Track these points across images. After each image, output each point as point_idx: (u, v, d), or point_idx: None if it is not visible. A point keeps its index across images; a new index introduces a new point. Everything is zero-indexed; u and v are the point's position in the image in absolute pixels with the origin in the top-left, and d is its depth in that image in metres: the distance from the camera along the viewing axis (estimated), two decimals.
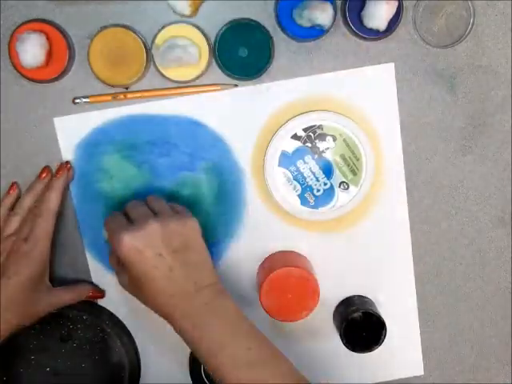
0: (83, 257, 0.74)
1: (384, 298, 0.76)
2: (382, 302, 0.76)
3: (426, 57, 0.71)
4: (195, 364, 0.76)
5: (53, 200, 0.68)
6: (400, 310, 0.77)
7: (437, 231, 0.75)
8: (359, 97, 0.72)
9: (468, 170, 0.74)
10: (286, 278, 0.69)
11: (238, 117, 0.72)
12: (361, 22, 0.68)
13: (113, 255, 0.65)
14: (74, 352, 0.74)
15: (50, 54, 0.66)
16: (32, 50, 0.64)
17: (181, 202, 0.71)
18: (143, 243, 0.59)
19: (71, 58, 0.69)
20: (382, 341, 0.72)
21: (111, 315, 0.75)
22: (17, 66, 0.67)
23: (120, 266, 0.64)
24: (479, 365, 0.79)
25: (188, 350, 0.75)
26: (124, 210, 0.65)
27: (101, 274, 0.75)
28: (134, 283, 0.62)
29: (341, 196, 0.73)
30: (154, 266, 0.60)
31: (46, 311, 0.68)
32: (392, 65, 0.71)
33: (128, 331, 0.76)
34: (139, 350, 0.77)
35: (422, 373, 0.79)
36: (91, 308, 0.74)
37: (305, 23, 0.67)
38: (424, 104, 0.72)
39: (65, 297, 0.70)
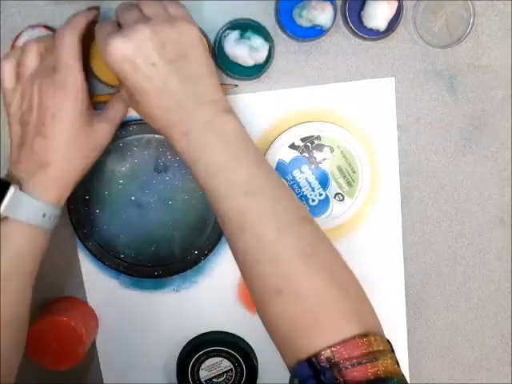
0: (75, 257, 0.74)
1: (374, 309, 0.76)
2: None
3: (426, 57, 0.71)
4: (183, 374, 0.76)
5: (73, 23, 0.59)
6: (388, 322, 0.77)
7: (437, 231, 0.75)
8: (358, 110, 0.72)
9: (468, 170, 0.74)
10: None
11: None
12: (361, 22, 0.68)
13: None
14: (164, 186, 0.71)
15: None
16: None
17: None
18: (133, 51, 0.53)
19: None
20: None
21: None
22: None
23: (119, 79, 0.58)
24: (479, 365, 0.79)
25: (175, 358, 0.76)
26: (116, 14, 0.59)
27: (93, 274, 0.74)
28: (130, 98, 0.58)
29: (335, 207, 0.73)
30: (148, 78, 0.54)
31: (106, 138, 0.63)
32: (392, 79, 0.71)
33: None
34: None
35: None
36: None
37: (305, 23, 0.67)
38: (424, 104, 0.72)
39: (119, 109, 0.64)
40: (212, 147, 0.54)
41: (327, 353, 0.49)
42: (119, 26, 0.57)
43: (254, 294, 0.55)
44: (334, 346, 0.49)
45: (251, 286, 0.55)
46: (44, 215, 0.58)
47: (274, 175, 0.57)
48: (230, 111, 0.57)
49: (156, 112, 0.56)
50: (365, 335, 0.50)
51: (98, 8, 0.64)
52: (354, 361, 0.49)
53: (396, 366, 0.51)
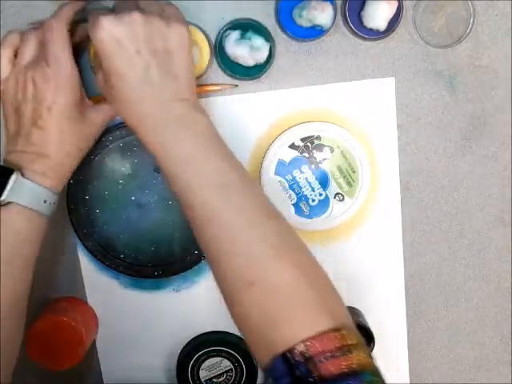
0: (75, 257, 0.74)
1: (374, 309, 0.76)
2: (372, 313, 0.76)
3: (426, 57, 0.71)
4: (183, 374, 0.76)
5: (60, 14, 0.60)
6: (389, 322, 0.77)
7: (437, 231, 0.75)
8: (358, 110, 0.72)
9: (468, 170, 0.74)
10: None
11: (237, 124, 0.72)
12: (361, 22, 0.68)
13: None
14: (164, 186, 0.71)
15: None
16: None
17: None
18: (122, 32, 0.54)
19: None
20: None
21: None
22: None
23: (98, 60, 0.58)
24: (479, 365, 0.79)
25: (175, 358, 0.76)
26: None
27: (93, 274, 0.74)
28: (106, 81, 0.57)
29: (335, 207, 0.73)
30: (130, 62, 0.55)
31: (99, 128, 0.65)
32: (392, 79, 0.71)
33: None
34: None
35: (408, 382, 0.79)
36: None
37: (305, 23, 0.67)
38: (424, 104, 0.72)
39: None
40: (182, 141, 0.55)
41: (301, 347, 0.49)
42: None
43: (224, 289, 0.55)
44: (307, 340, 0.49)
45: (221, 279, 0.55)
46: (45, 201, 0.60)
47: (243, 171, 0.57)
48: (202, 110, 0.58)
49: (130, 100, 0.56)
50: (337, 329, 0.50)
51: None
52: (328, 354, 0.49)
53: (370, 359, 0.51)
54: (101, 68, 0.58)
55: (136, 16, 0.55)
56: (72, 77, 0.60)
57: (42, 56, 0.60)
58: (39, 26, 0.63)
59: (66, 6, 0.61)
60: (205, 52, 0.68)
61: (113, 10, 0.58)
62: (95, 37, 0.55)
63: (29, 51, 0.61)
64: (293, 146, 0.71)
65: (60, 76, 0.59)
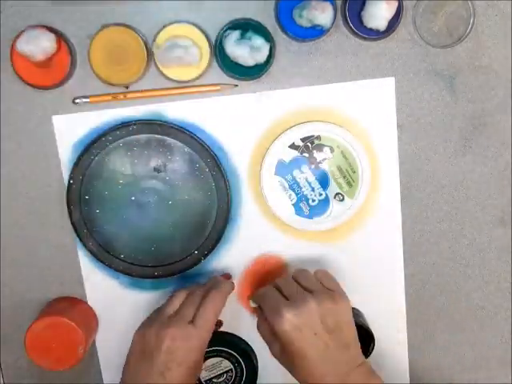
0: (75, 257, 0.74)
1: (374, 309, 0.76)
2: (372, 313, 0.76)
3: (425, 57, 0.71)
4: None
5: (224, 289, 0.67)
6: (389, 322, 0.77)
7: (437, 231, 0.75)
8: (358, 109, 0.72)
9: (468, 170, 0.74)
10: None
11: (237, 124, 0.72)
12: (361, 22, 0.68)
13: (264, 325, 0.65)
14: (164, 186, 0.72)
15: (50, 61, 0.66)
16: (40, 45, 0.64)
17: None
18: (302, 322, 0.61)
19: (73, 65, 0.69)
20: (370, 353, 0.72)
21: (214, 158, 0.71)
22: (18, 71, 0.67)
23: (272, 337, 0.64)
24: (479, 365, 0.79)
25: None
26: (275, 285, 0.66)
27: (93, 274, 0.74)
28: (287, 357, 0.63)
29: (335, 207, 0.73)
30: (310, 345, 0.61)
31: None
32: (392, 79, 0.71)
33: (226, 175, 0.72)
34: None
35: (408, 382, 0.79)
36: (194, 142, 0.71)
37: (305, 23, 0.67)
38: (424, 104, 0.72)
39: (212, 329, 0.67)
40: None
41: None
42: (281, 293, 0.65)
43: None
44: None
45: None
46: None
47: None
48: (373, 372, 0.64)
49: (312, 375, 0.62)
50: None
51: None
52: None
53: None
54: (277, 342, 0.64)
55: (310, 304, 0.61)
56: (208, 340, 0.64)
57: (186, 314, 0.64)
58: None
59: (229, 284, 0.69)
60: (205, 52, 0.68)
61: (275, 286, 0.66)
62: (279, 328, 0.61)
63: (175, 304, 0.66)
64: (293, 146, 0.71)
65: (201, 339, 0.63)
